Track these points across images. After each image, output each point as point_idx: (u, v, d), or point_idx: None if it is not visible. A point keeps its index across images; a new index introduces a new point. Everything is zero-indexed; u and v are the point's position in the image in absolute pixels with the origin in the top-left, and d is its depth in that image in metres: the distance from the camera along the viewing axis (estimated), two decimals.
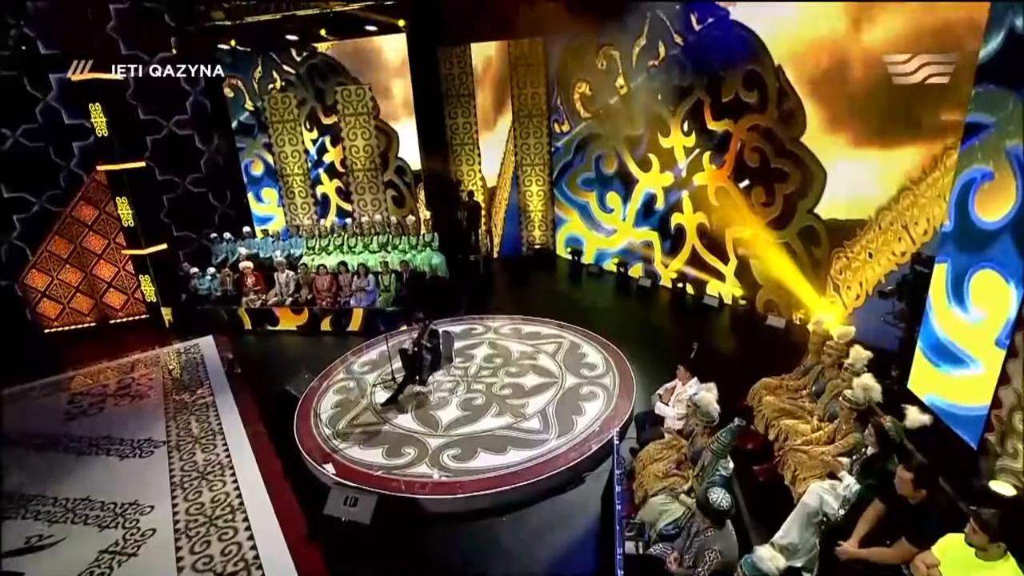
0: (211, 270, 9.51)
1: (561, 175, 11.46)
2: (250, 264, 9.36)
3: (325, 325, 8.92)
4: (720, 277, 9.01)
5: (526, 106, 11.34)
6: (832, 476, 3.63)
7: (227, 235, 10.36)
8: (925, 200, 6.38)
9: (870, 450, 3.41)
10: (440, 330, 6.40)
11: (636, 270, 10.28)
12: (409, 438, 5.65)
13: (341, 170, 11.88)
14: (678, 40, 8.34)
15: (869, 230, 6.91)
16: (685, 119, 8.61)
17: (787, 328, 7.73)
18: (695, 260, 9.33)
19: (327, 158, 12.10)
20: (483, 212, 12.03)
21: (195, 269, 9.45)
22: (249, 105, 11.76)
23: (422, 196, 11.59)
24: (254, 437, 6.16)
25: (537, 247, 12.38)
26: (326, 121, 11.82)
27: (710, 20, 7.84)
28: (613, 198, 10.49)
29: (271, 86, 11.62)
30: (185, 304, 9.40)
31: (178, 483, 5.45)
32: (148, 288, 9.59)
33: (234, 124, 11.89)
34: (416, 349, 6.20)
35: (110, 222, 9.70)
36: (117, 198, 9.13)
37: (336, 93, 10.48)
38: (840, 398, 3.79)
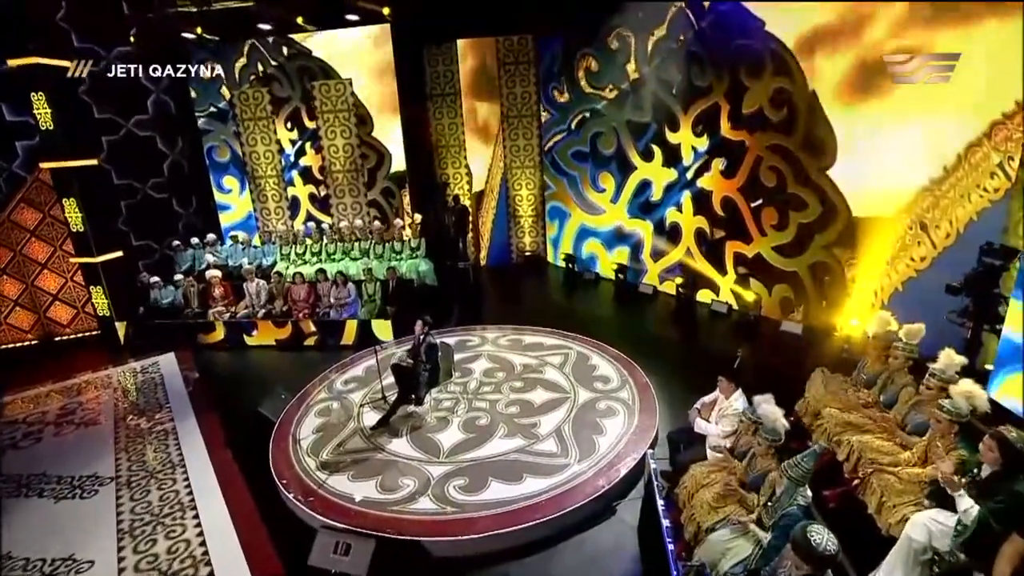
0: (179, 277, 8.54)
1: (553, 144, 10.74)
2: (218, 273, 8.45)
3: (311, 339, 8.03)
4: (714, 288, 8.57)
5: (516, 106, 10.79)
6: (935, 502, 3.01)
7: (194, 240, 9.40)
8: (947, 201, 6.01)
9: (986, 469, 2.82)
10: (438, 341, 5.65)
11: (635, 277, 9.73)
12: (407, 466, 4.87)
13: (319, 177, 11.05)
14: (697, 38, 7.85)
15: (886, 235, 6.50)
16: (700, 120, 8.09)
17: (806, 334, 7.22)
18: (687, 264, 8.87)
19: (304, 161, 11.24)
20: (470, 217, 11.36)
21: (155, 279, 8.47)
22: (227, 92, 10.82)
23: (407, 200, 10.85)
24: (221, 468, 5.27)
25: (528, 254, 11.77)
26: (310, 124, 10.96)
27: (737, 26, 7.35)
28: (607, 178, 9.89)
29: (252, 77, 10.73)
30: (143, 318, 8.40)
31: (127, 529, 4.52)
32: (100, 301, 8.55)
33: (210, 109, 10.92)
34: (411, 363, 5.43)
35: (56, 227, 8.66)
36: (64, 200, 8.12)
37: (315, 89, 9.69)
38: (936, 409, 3.21)
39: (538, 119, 10.83)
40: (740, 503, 3.62)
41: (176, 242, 9.44)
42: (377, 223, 9.55)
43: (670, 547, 3.47)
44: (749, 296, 7.85)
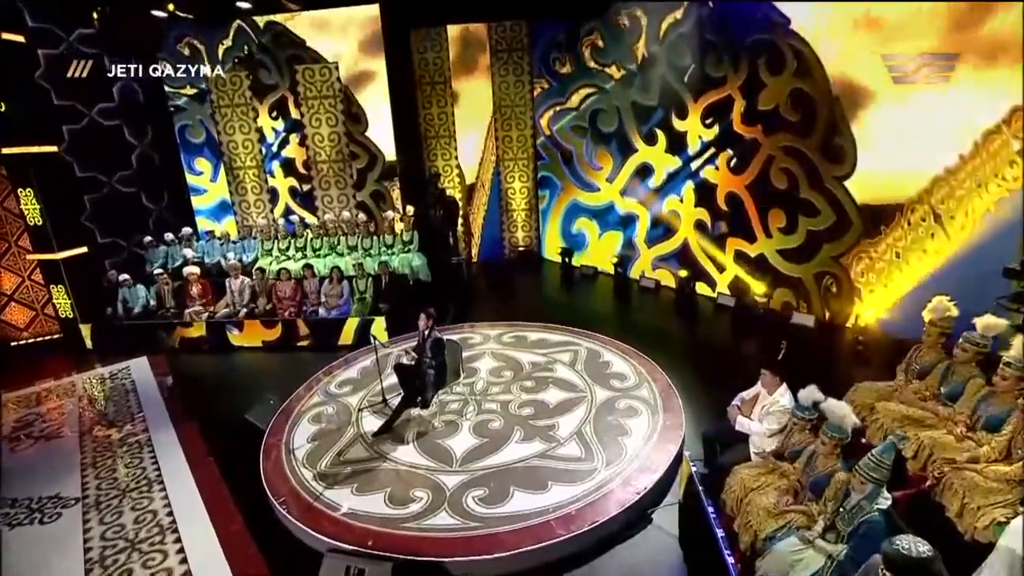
0: (157, 271, 7.86)
1: (552, 116, 10.13)
2: (195, 270, 7.80)
3: (303, 340, 7.47)
4: (710, 281, 8.31)
5: (508, 96, 10.36)
6: None
7: (167, 236, 8.71)
8: (963, 191, 5.81)
9: None
10: (445, 338, 5.18)
11: (636, 271, 9.40)
12: (417, 476, 4.40)
13: (303, 171, 10.41)
14: (716, 28, 7.44)
15: (897, 226, 6.30)
16: (710, 111, 7.73)
17: (819, 327, 6.97)
18: (685, 255, 8.59)
19: (288, 153, 10.56)
20: (459, 211, 10.88)
21: (125, 276, 7.78)
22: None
23: (397, 192, 10.31)
24: (205, 484, 4.71)
25: (521, 249, 11.35)
26: (296, 115, 10.24)
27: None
28: (604, 156, 9.47)
29: (236, 60, 10.01)
30: (111, 320, 7.70)
31: (96, 558, 3.95)
32: (62, 301, 7.82)
33: (188, 91, 10.17)
34: (417, 362, 4.96)
35: (10, 221, 7.89)
36: (19, 190, 7.38)
37: (298, 74, 9.07)
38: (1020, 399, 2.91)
39: (532, 108, 10.42)
40: (802, 509, 3.28)
41: (147, 238, 8.73)
42: (361, 215, 9.01)
43: (730, 560, 3.10)
44: (759, 289, 7.58)
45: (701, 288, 8.48)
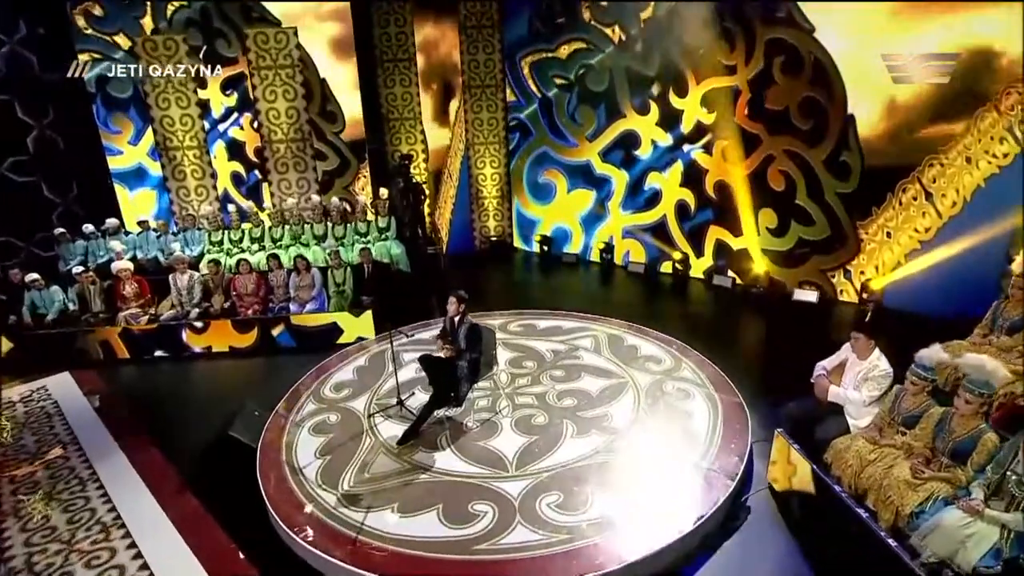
0: (76, 269, 6.42)
1: (535, 62, 9.25)
2: (128, 265, 6.45)
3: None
4: (685, 264, 8.14)
5: (479, 76, 9.69)
6: None
7: (87, 228, 7.20)
8: (954, 169, 5.93)
9: None
10: (480, 325, 4.44)
11: (602, 237, 9.03)
12: (468, 487, 3.65)
13: (253, 159, 9.11)
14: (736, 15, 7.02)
15: (888, 207, 6.37)
16: (712, 98, 7.38)
17: (823, 302, 6.92)
18: (663, 231, 8.37)
19: (237, 135, 9.20)
20: (425, 197, 10.05)
21: (34, 276, 6.27)
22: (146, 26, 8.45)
23: (366, 174, 9.31)
24: (187, 525, 3.67)
25: (493, 239, 10.69)
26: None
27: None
28: (587, 113, 8.82)
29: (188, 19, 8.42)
30: (17, 330, 6.17)
31: None
32: None
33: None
34: (452, 350, 4.19)
35: None
36: None
37: (249, 38, 7.82)
38: None
39: (503, 89, 9.81)
40: (945, 476, 2.94)
41: (60, 230, 7.18)
42: (335, 200, 7.97)
43: (893, 543, 2.68)
44: (759, 269, 7.44)
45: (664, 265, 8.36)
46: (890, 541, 2.70)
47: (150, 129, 8.24)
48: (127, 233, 7.61)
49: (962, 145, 5.84)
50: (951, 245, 6.01)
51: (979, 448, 2.87)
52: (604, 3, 8.06)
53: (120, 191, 8.85)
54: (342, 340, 6.24)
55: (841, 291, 6.90)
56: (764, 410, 4.39)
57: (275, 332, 6.26)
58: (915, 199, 6.23)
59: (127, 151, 9.02)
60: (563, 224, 9.66)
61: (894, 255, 6.43)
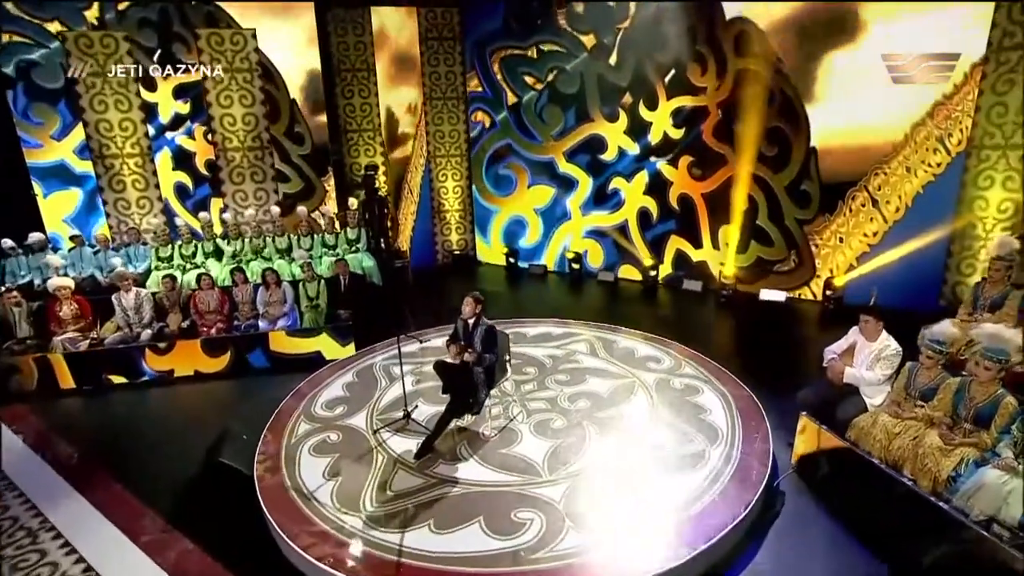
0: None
1: (505, 58, 9.08)
2: (68, 283, 5.65)
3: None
4: (646, 274, 8.37)
5: (439, 87, 9.61)
6: None
7: (6, 243, 6.27)
8: (896, 177, 6.40)
9: None
10: (495, 327, 4.23)
11: (574, 252, 9.09)
12: (506, 496, 3.42)
13: (203, 172, 8.39)
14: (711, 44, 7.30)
15: (839, 214, 6.83)
16: (682, 113, 7.62)
17: (790, 302, 7.32)
18: (624, 235, 8.60)
19: (186, 144, 8.45)
20: (388, 211, 9.73)
21: None
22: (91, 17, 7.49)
23: (332, 183, 8.84)
24: (180, 568, 3.15)
25: (456, 253, 10.50)
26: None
27: None
28: (554, 113, 8.80)
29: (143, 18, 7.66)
30: None
31: None
32: None
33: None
34: (470, 355, 3.96)
35: None
36: None
37: (202, 39, 7.24)
38: None
39: (465, 101, 9.77)
40: (971, 441, 3.11)
41: None
42: (303, 210, 7.49)
43: (944, 505, 2.78)
44: (728, 271, 7.76)
45: (629, 272, 8.64)
46: (941, 504, 2.80)
47: (80, 126, 7.37)
48: (55, 249, 6.71)
49: (902, 155, 6.44)
50: (898, 248, 6.57)
51: (1000, 411, 3.07)
52: (579, 10, 8.15)
53: (35, 188, 7.82)
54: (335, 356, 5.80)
55: (800, 295, 7.37)
56: (771, 400, 4.50)
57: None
58: (863, 206, 6.76)
59: (48, 145, 8.00)
60: (520, 214, 9.61)
61: (847, 258, 6.94)
